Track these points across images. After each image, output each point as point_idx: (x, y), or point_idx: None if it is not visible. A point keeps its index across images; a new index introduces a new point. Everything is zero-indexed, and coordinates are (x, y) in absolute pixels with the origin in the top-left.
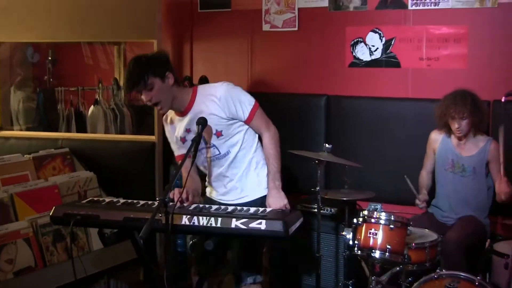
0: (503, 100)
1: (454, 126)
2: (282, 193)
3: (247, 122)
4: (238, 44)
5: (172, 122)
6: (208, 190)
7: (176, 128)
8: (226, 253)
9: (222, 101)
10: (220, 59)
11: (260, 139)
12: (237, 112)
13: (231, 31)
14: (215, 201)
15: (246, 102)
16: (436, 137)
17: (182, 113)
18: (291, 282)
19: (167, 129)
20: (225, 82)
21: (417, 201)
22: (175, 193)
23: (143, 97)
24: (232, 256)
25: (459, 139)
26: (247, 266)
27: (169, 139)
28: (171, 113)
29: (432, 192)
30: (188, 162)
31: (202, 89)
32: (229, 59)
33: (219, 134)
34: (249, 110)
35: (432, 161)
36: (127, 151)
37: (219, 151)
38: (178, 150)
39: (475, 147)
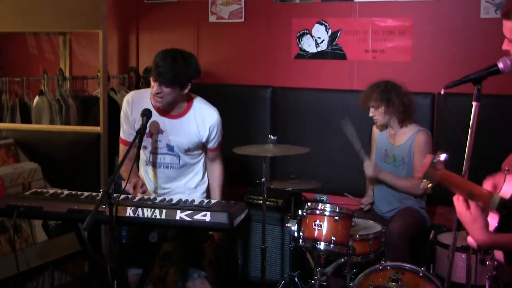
0: (442, 92)
1: (370, 114)
2: None
3: (211, 150)
4: (184, 35)
5: (138, 106)
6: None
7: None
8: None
9: (210, 130)
10: None
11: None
12: (210, 140)
13: (177, 22)
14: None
15: (220, 136)
16: (376, 129)
17: (168, 115)
18: (237, 274)
19: (128, 109)
20: (217, 111)
21: (361, 204)
22: (125, 185)
23: (156, 87)
24: (177, 251)
25: (389, 129)
26: (192, 261)
27: (123, 119)
28: (141, 97)
29: None
30: (132, 153)
31: (198, 107)
32: None
33: (187, 150)
34: (218, 142)
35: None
36: (72, 142)
37: (179, 162)
38: (127, 136)
39: (404, 137)
